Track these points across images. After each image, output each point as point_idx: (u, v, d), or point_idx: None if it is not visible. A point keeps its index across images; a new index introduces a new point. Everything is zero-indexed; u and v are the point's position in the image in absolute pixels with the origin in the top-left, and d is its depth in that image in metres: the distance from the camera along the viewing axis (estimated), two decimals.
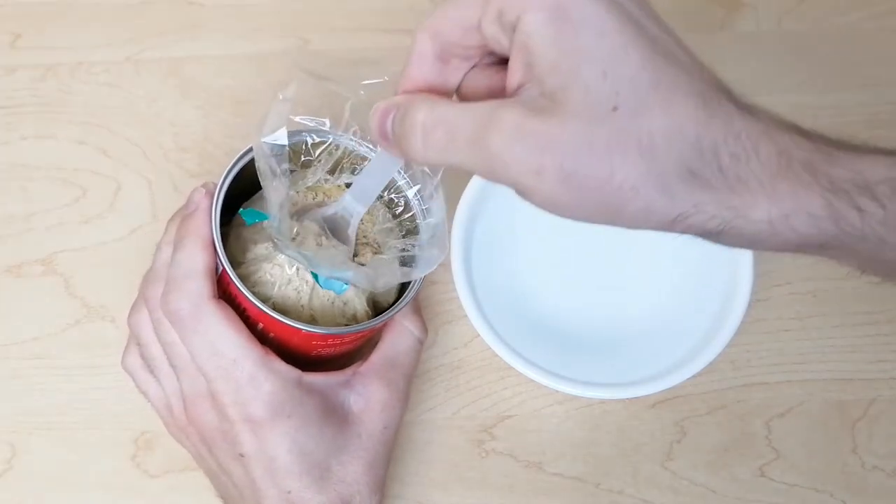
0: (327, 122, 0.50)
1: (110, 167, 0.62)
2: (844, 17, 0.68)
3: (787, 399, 0.61)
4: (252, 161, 0.50)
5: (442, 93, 0.41)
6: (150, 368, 0.51)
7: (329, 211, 0.49)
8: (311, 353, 0.51)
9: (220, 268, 0.48)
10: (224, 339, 0.47)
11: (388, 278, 0.48)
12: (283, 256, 0.49)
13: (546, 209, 0.37)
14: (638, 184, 0.35)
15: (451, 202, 0.56)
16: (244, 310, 0.48)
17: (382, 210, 0.52)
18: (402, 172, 0.51)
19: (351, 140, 0.50)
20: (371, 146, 0.51)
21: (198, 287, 0.48)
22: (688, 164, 0.35)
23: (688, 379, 0.55)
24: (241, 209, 0.51)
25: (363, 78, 0.47)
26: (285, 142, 0.48)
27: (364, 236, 0.51)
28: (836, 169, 0.36)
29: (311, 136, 0.50)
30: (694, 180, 0.35)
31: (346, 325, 0.50)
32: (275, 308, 0.47)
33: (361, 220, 0.50)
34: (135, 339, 0.52)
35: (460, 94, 0.42)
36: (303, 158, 0.50)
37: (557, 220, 0.61)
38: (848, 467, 0.60)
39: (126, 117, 0.63)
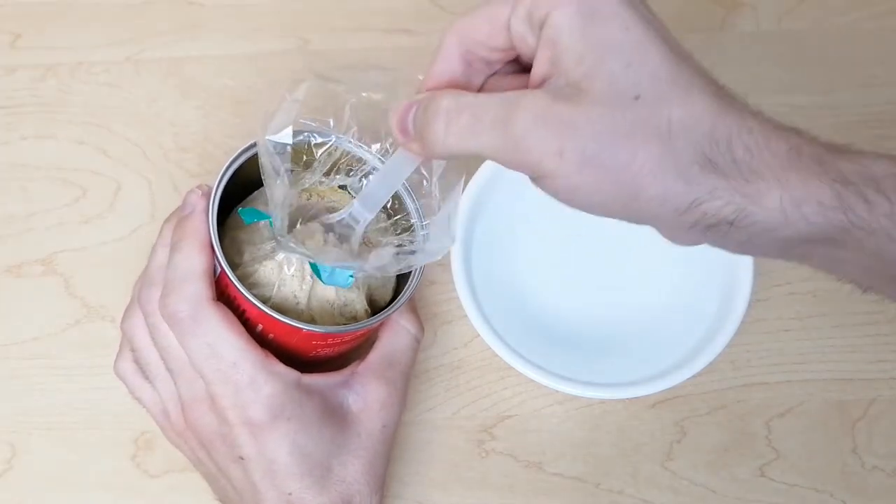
0: (331, 122, 0.50)
1: (110, 167, 0.62)
2: (844, 16, 0.68)
3: (787, 399, 0.61)
4: (245, 163, 0.50)
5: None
6: (145, 373, 0.51)
7: (335, 218, 0.49)
8: (310, 353, 0.51)
9: (219, 269, 0.48)
10: (224, 342, 0.47)
11: (400, 264, 0.48)
12: (281, 256, 0.49)
13: (562, 196, 0.38)
14: (657, 168, 0.36)
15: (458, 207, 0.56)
16: (243, 311, 0.48)
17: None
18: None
19: (349, 142, 0.50)
20: (367, 147, 0.51)
21: (197, 289, 0.47)
22: (704, 152, 0.37)
23: (688, 379, 0.55)
24: (240, 209, 0.51)
25: (370, 80, 0.47)
26: (290, 140, 0.48)
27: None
28: (843, 163, 0.38)
29: (313, 137, 0.50)
30: (709, 167, 0.37)
31: (346, 324, 0.50)
32: (274, 309, 0.47)
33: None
34: (128, 344, 0.52)
35: None
36: (304, 158, 0.50)
37: (557, 220, 0.62)
38: (848, 467, 0.60)
39: (126, 117, 0.63)
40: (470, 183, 0.58)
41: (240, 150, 0.50)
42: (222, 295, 0.49)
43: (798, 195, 0.37)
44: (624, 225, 0.61)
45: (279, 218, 0.47)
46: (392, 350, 0.52)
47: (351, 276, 0.49)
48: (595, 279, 0.61)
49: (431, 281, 0.61)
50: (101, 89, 0.64)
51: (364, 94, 0.48)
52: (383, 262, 0.48)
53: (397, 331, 0.53)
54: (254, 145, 0.50)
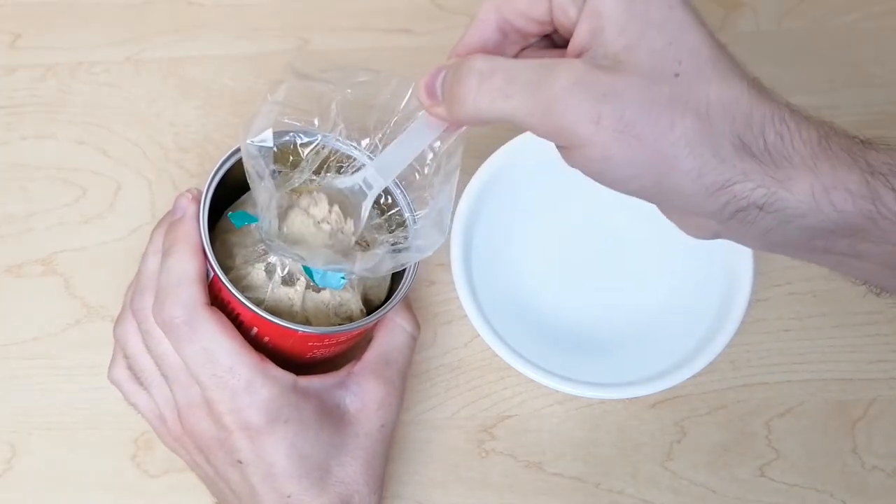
0: (316, 121, 0.49)
1: (110, 167, 0.62)
2: (844, 16, 0.68)
3: (787, 399, 0.61)
4: (233, 166, 0.50)
5: None
6: (140, 380, 0.51)
7: (346, 182, 0.49)
8: (307, 354, 0.50)
9: (211, 274, 0.48)
10: (219, 347, 0.47)
11: (390, 263, 0.48)
12: (273, 259, 0.49)
13: (592, 168, 0.38)
14: (694, 141, 0.36)
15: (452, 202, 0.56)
16: (237, 315, 0.48)
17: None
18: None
19: (337, 140, 0.50)
20: (356, 145, 0.50)
21: (191, 294, 0.47)
22: (739, 134, 0.37)
23: (688, 379, 0.55)
24: (230, 213, 0.51)
25: (353, 77, 0.47)
26: (271, 143, 0.48)
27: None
28: (872, 154, 0.38)
29: (299, 137, 0.50)
30: (743, 150, 0.37)
31: (341, 324, 0.50)
32: (268, 311, 0.47)
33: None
34: (121, 351, 0.52)
35: None
36: (291, 159, 0.50)
37: (558, 220, 0.62)
38: (848, 467, 0.60)
39: (126, 117, 0.63)
40: (470, 183, 0.58)
41: (227, 154, 0.50)
42: (216, 299, 0.48)
43: (828, 182, 0.37)
44: (624, 225, 0.62)
45: (267, 220, 0.47)
46: (388, 349, 0.52)
47: (343, 277, 0.49)
48: (595, 279, 0.61)
49: (431, 281, 0.61)
50: (101, 89, 0.64)
51: (349, 91, 0.48)
52: (374, 262, 0.48)
53: (393, 329, 0.53)
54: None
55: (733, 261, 0.57)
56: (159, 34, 0.65)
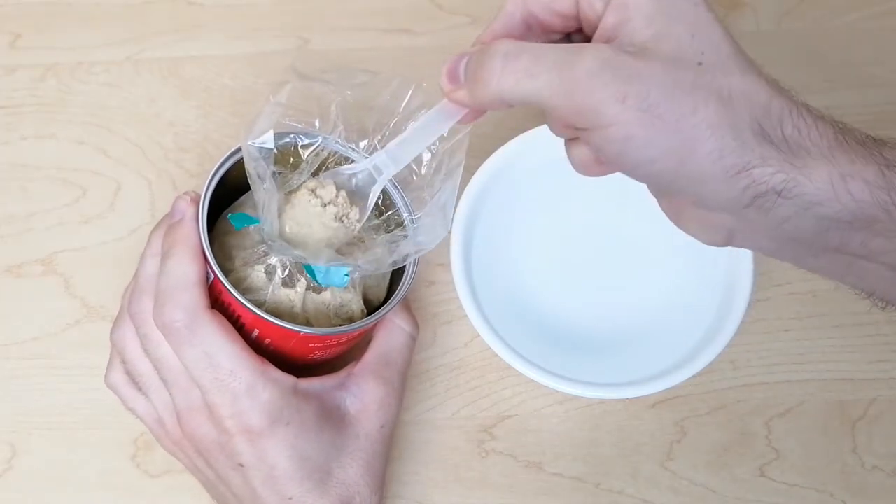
0: (317, 122, 0.49)
1: (110, 167, 0.62)
2: (844, 16, 0.68)
3: (787, 399, 0.61)
4: (232, 168, 0.50)
5: None
6: (138, 385, 0.51)
7: (356, 168, 0.48)
8: (308, 356, 0.50)
9: (211, 276, 0.48)
10: (220, 351, 0.47)
11: (393, 257, 0.48)
12: (273, 261, 0.49)
13: (612, 149, 0.38)
14: (715, 124, 0.37)
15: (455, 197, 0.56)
16: (238, 317, 0.48)
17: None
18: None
19: (336, 142, 0.50)
20: (354, 147, 0.50)
21: (192, 297, 0.47)
22: (759, 121, 0.38)
23: (688, 379, 0.55)
24: (229, 214, 0.51)
25: (353, 78, 0.47)
26: (272, 144, 0.48)
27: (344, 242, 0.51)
28: (886, 150, 0.39)
29: (299, 138, 0.50)
30: (763, 136, 0.38)
31: (342, 325, 0.50)
32: (269, 313, 0.47)
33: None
34: (118, 356, 0.51)
35: None
36: (291, 160, 0.50)
37: (558, 220, 0.62)
38: (848, 467, 0.60)
39: (126, 117, 0.63)
40: (470, 183, 0.58)
41: (226, 156, 0.50)
42: (216, 302, 0.48)
43: (845, 171, 0.38)
44: (624, 224, 0.62)
45: (268, 221, 0.47)
46: (388, 349, 0.52)
47: (346, 274, 0.49)
48: (595, 279, 0.61)
49: (431, 281, 0.61)
50: (101, 89, 0.64)
51: (349, 93, 0.48)
52: (377, 256, 0.48)
53: (392, 329, 0.53)
54: (239, 150, 0.50)
55: (733, 261, 0.57)
56: (159, 34, 0.65)
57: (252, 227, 0.50)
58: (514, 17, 0.42)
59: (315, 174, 0.50)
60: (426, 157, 0.49)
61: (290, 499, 0.48)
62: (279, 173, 0.49)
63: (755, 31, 0.67)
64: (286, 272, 0.49)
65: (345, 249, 0.50)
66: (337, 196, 0.49)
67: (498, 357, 0.55)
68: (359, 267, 0.48)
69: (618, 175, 0.44)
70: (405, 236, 0.50)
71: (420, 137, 0.46)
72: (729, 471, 0.59)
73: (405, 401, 0.57)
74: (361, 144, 0.50)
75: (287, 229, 0.48)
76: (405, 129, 0.47)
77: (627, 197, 0.59)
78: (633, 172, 0.39)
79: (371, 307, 0.52)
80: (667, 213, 0.43)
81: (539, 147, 0.58)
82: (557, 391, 0.56)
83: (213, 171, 0.49)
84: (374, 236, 0.51)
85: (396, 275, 0.52)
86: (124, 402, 0.52)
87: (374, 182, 0.48)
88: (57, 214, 0.61)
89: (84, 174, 0.62)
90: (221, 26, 0.66)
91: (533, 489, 0.59)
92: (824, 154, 0.38)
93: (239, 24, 0.66)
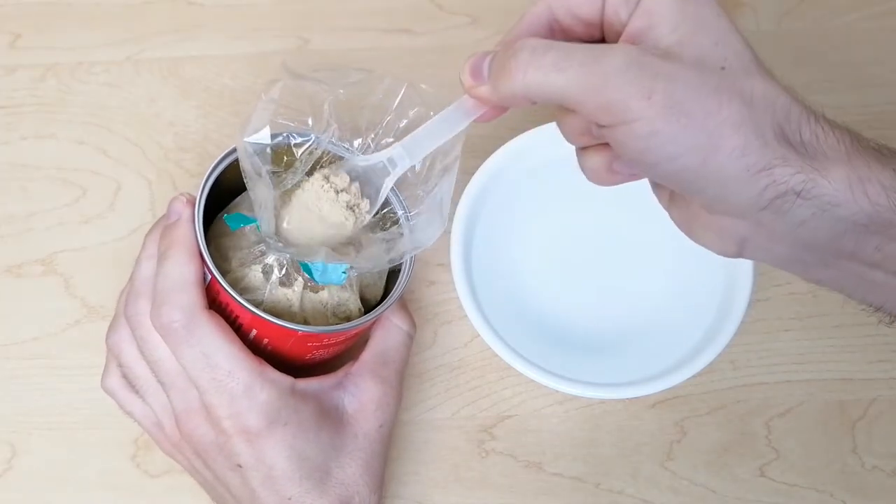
0: (310, 121, 0.49)
1: (110, 167, 0.62)
2: (844, 16, 0.68)
3: (787, 399, 0.61)
4: (226, 169, 0.50)
5: None
6: (135, 388, 0.51)
7: (371, 160, 0.48)
8: (306, 356, 0.50)
9: (208, 277, 0.48)
10: (218, 351, 0.47)
11: (391, 254, 0.48)
12: (270, 260, 0.49)
13: (635, 145, 0.38)
14: (739, 122, 0.38)
15: (452, 203, 0.56)
16: (236, 318, 0.48)
17: None
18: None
19: (330, 141, 0.50)
20: (348, 146, 0.50)
21: (189, 298, 0.47)
22: (780, 124, 0.39)
23: (688, 379, 0.55)
24: (225, 216, 0.51)
25: (345, 77, 0.47)
26: (268, 140, 0.48)
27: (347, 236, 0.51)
28: None
29: (293, 137, 0.50)
30: (783, 138, 0.38)
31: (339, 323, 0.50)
32: (267, 312, 0.47)
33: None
34: (115, 360, 0.51)
35: None
36: (285, 159, 0.50)
37: (558, 220, 0.62)
38: (848, 467, 0.60)
39: (126, 117, 0.63)
40: (470, 183, 0.58)
41: (221, 156, 0.50)
42: (213, 302, 0.48)
43: (863, 174, 0.38)
44: (624, 224, 0.62)
45: (265, 220, 0.47)
46: (385, 348, 0.52)
47: (344, 272, 0.49)
48: (595, 279, 0.61)
49: (431, 281, 0.61)
50: (101, 89, 0.64)
51: (341, 92, 0.48)
52: (374, 253, 0.48)
53: (389, 328, 0.53)
54: (233, 151, 0.50)
55: (733, 261, 0.57)
56: (159, 34, 0.65)
57: (248, 227, 0.50)
58: (540, 19, 0.43)
59: (309, 173, 0.50)
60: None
61: (289, 499, 0.48)
62: (274, 172, 0.49)
63: (755, 31, 0.67)
64: (283, 271, 0.49)
65: (341, 249, 0.50)
66: (350, 185, 0.49)
67: (498, 357, 0.55)
68: (356, 264, 0.48)
69: None
70: (401, 234, 0.50)
71: (436, 133, 0.45)
72: (729, 471, 0.59)
73: (405, 401, 0.57)
74: (356, 143, 0.50)
75: (296, 213, 0.48)
76: (399, 127, 0.47)
77: (628, 197, 0.59)
78: (654, 170, 0.40)
79: (368, 306, 0.52)
80: (678, 224, 0.44)
81: (539, 147, 0.58)
82: (557, 391, 0.56)
83: (208, 172, 0.50)
84: (370, 234, 0.51)
85: (393, 274, 0.52)
86: (121, 406, 0.52)
87: (387, 174, 0.48)
88: (57, 214, 0.61)
89: (84, 174, 0.62)
90: (221, 26, 0.66)
91: (533, 489, 0.59)
92: (842, 158, 0.39)
93: (239, 24, 0.66)
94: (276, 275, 0.49)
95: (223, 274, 0.48)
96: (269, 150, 0.48)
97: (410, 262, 0.51)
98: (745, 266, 0.57)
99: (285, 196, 0.49)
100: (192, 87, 0.64)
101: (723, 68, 0.39)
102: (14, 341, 0.59)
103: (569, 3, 0.42)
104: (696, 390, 0.60)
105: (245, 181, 0.47)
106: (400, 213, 0.51)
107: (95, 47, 0.65)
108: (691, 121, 0.38)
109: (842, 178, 0.38)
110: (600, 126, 0.39)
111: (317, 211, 0.48)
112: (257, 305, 0.48)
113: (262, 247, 0.49)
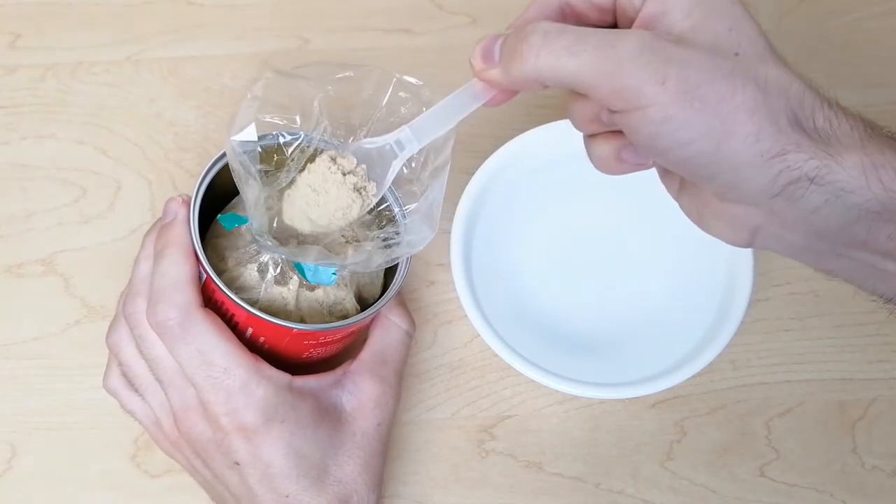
0: (298, 118, 0.49)
1: (110, 167, 0.62)
2: (844, 16, 0.68)
3: (787, 399, 0.61)
4: (221, 171, 0.50)
5: None
6: (134, 387, 0.51)
7: (378, 142, 0.48)
8: (303, 354, 0.50)
9: (204, 276, 0.48)
10: (214, 348, 0.47)
11: (381, 257, 0.48)
12: (265, 259, 0.49)
13: (648, 131, 0.38)
14: (753, 108, 0.38)
15: (452, 203, 0.56)
16: (231, 316, 0.48)
17: None
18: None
19: (322, 138, 0.50)
20: (341, 141, 0.50)
21: (185, 297, 0.47)
22: (794, 110, 0.38)
23: (688, 379, 0.55)
24: (220, 216, 0.51)
25: (332, 73, 0.47)
26: (255, 138, 0.47)
27: (342, 234, 0.51)
28: None
29: (282, 135, 0.49)
30: (797, 124, 0.38)
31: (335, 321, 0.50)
32: (262, 311, 0.47)
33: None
34: (115, 360, 0.52)
35: None
36: (276, 158, 0.50)
37: (558, 220, 0.62)
38: (848, 467, 0.60)
39: (126, 117, 0.63)
40: (470, 183, 0.58)
41: (215, 158, 0.50)
42: (209, 301, 0.48)
43: (876, 161, 0.38)
44: (624, 224, 0.62)
45: (256, 218, 0.47)
46: (383, 347, 0.52)
47: (334, 273, 0.49)
48: (595, 279, 0.61)
49: (431, 281, 0.61)
50: (101, 89, 0.64)
51: (330, 88, 0.47)
52: (364, 256, 0.48)
53: (388, 327, 0.53)
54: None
55: (733, 261, 0.57)
56: (159, 34, 0.65)
57: (243, 227, 0.50)
58: (550, 5, 0.42)
59: (302, 171, 0.50)
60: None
61: (287, 497, 0.48)
62: (266, 171, 0.49)
63: None
64: (278, 270, 0.49)
65: (336, 248, 0.50)
66: (356, 167, 0.48)
67: (498, 357, 0.55)
68: (346, 266, 0.47)
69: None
70: (397, 233, 0.50)
71: (444, 117, 0.45)
72: (729, 471, 0.59)
73: (405, 401, 0.57)
74: (350, 140, 0.50)
75: (300, 196, 0.48)
76: (390, 122, 0.47)
77: (628, 197, 0.59)
78: (666, 156, 0.39)
79: (365, 305, 0.52)
80: (688, 214, 0.43)
81: (539, 147, 0.58)
82: (557, 391, 0.56)
83: (203, 172, 0.50)
84: (367, 232, 0.51)
85: (390, 271, 0.52)
86: (122, 404, 0.52)
87: (394, 157, 0.47)
88: (57, 214, 0.61)
89: (84, 174, 0.62)
90: (221, 26, 0.66)
91: (533, 489, 0.59)
92: (855, 144, 0.38)
93: (239, 24, 0.66)
94: (271, 273, 0.49)
95: (219, 274, 0.48)
96: (258, 148, 0.48)
97: (407, 260, 0.51)
98: (745, 266, 0.57)
99: (283, 191, 0.49)
100: (192, 87, 0.64)
101: (736, 54, 0.39)
102: (14, 341, 0.59)
103: None
104: (696, 390, 0.60)
105: (235, 180, 0.47)
106: (396, 210, 0.51)
107: (95, 47, 0.65)
108: (705, 106, 0.37)
109: (856, 164, 0.38)
110: (612, 111, 0.39)
111: (323, 193, 0.48)
112: (253, 304, 0.48)
113: (256, 245, 0.49)
